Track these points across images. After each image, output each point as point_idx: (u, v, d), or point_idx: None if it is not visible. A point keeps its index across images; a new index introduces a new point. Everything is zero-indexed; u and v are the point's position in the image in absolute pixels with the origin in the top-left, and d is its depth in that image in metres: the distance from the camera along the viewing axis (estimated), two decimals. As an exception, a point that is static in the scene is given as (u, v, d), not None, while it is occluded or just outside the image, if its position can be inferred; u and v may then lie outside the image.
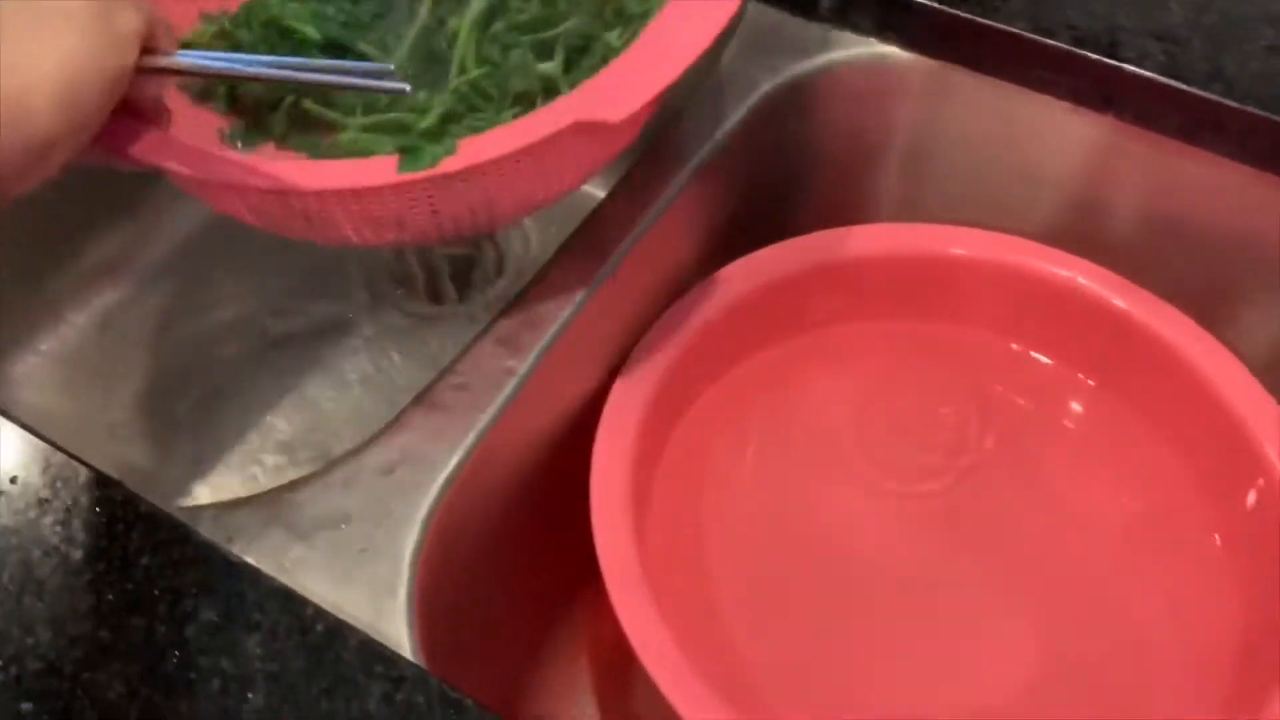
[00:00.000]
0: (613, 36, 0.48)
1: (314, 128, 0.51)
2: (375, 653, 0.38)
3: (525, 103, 0.48)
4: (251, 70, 0.43)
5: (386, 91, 0.42)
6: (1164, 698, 0.50)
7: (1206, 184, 0.54)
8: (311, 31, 0.51)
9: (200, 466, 0.66)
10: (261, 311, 0.73)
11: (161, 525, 0.41)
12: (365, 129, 0.49)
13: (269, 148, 0.50)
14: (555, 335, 0.49)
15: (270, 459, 0.67)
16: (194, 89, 0.51)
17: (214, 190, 0.44)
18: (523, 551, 0.53)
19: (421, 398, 0.47)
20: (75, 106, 0.35)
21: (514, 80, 0.48)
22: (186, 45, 0.50)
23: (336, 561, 0.42)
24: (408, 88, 0.41)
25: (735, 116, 0.56)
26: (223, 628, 0.38)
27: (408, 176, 0.40)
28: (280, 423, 0.69)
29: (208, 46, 0.52)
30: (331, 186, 0.41)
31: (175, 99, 0.49)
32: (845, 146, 0.62)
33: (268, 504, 0.44)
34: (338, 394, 0.70)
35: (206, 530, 0.41)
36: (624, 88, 0.42)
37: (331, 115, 0.50)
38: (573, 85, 0.47)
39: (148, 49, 0.39)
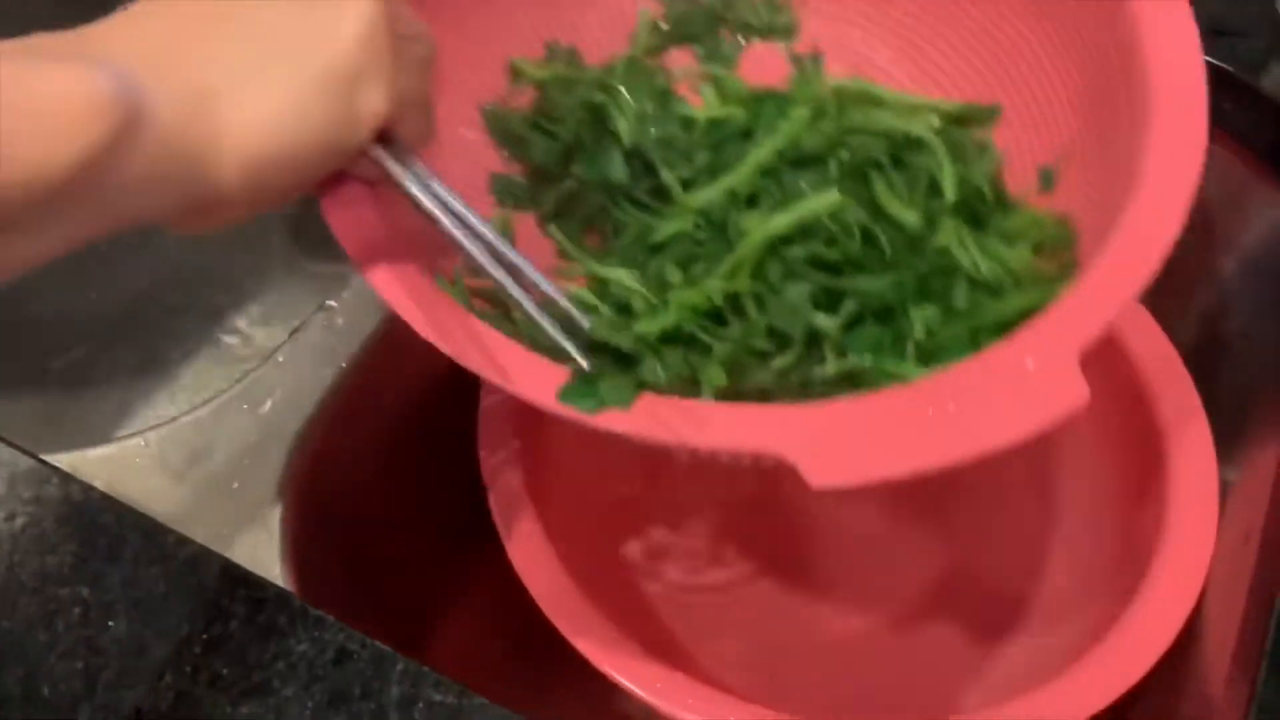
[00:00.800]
0: (920, 319, 0.40)
1: (582, 224, 0.45)
2: (237, 576, 0.38)
3: (777, 342, 0.40)
4: (456, 231, 0.32)
5: (567, 362, 0.33)
6: (1058, 590, 0.52)
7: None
8: (625, 128, 0.45)
9: (95, 432, 0.65)
10: (172, 274, 0.72)
11: (21, 464, 0.40)
12: (592, 284, 0.42)
13: (529, 220, 0.45)
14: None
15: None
16: (490, 116, 0.46)
17: None
18: (421, 488, 0.53)
19: (295, 333, 0.47)
20: (263, 181, 0.28)
21: (777, 314, 0.40)
22: (515, 74, 0.47)
23: (207, 495, 0.42)
24: (586, 366, 0.33)
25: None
26: (85, 559, 0.38)
27: (563, 410, 0.32)
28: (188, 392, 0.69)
29: (517, 92, 0.47)
30: (505, 385, 0.33)
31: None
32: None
33: (138, 442, 0.43)
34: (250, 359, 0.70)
35: (72, 468, 0.41)
36: (870, 441, 0.30)
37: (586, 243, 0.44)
38: (839, 349, 0.40)
39: (386, 135, 0.31)
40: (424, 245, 0.35)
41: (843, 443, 0.30)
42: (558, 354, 0.33)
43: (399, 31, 0.31)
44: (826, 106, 0.45)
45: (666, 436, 0.32)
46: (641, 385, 0.34)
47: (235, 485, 0.43)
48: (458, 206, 0.32)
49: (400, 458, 0.50)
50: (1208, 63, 0.52)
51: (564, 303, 0.33)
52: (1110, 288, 0.32)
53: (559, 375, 0.33)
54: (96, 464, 0.43)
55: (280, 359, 0.46)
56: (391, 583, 0.50)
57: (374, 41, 0.29)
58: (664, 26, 0.49)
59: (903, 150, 0.44)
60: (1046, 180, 0.43)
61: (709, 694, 0.43)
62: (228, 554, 0.39)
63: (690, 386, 0.37)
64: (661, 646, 0.49)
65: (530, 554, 0.45)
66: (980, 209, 0.43)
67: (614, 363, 0.35)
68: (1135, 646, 0.43)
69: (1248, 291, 0.53)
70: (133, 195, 0.26)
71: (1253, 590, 0.39)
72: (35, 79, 0.24)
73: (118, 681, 0.36)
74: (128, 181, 0.25)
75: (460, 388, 0.50)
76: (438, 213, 0.32)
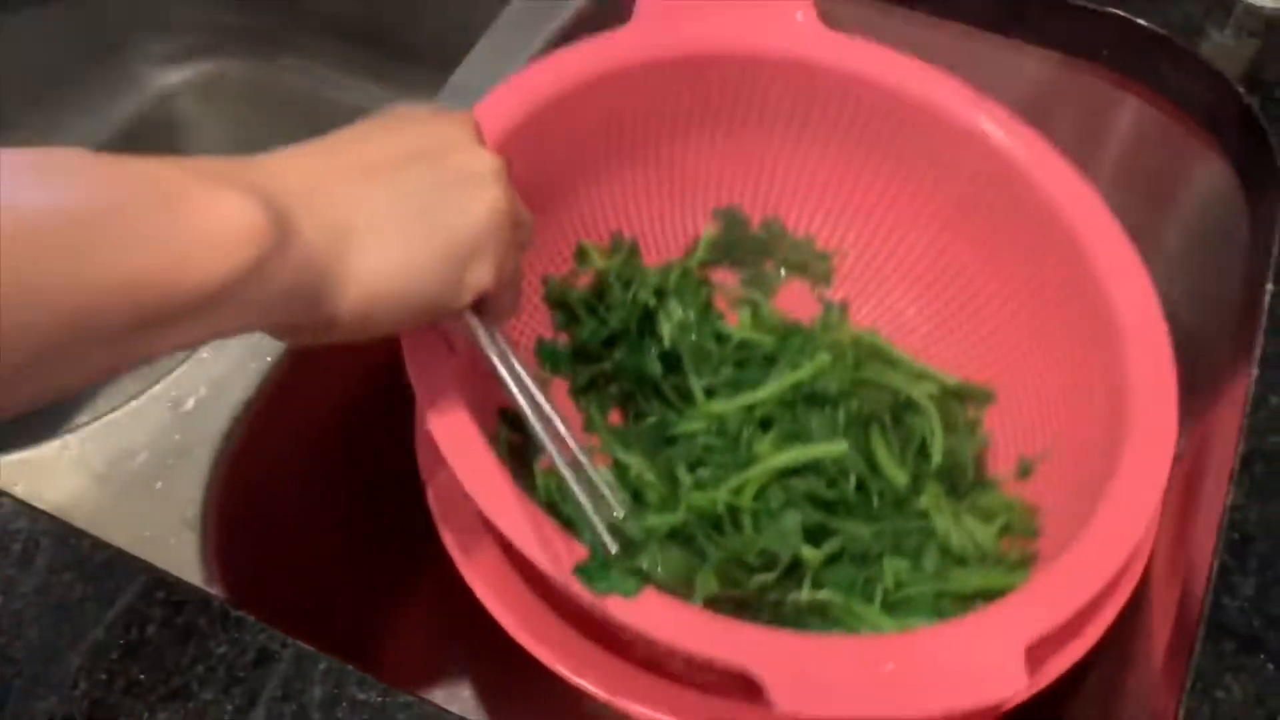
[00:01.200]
0: (891, 569, 0.44)
1: (610, 402, 0.50)
2: (155, 579, 0.37)
3: (763, 561, 0.44)
4: (523, 402, 0.34)
5: (585, 537, 0.35)
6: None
7: (1009, 69, 0.55)
8: (668, 329, 0.50)
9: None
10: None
11: (-68, 470, 0.39)
12: (613, 465, 0.45)
13: (562, 386, 0.50)
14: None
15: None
16: (551, 286, 0.51)
17: None
18: (356, 484, 0.52)
19: (219, 329, 0.45)
20: (370, 318, 0.32)
21: (771, 536, 0.44)
22: (582, 256, 0.52)
23: (130, 497, 0.41)
24: (613, 549, 0.34)
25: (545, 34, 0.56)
26: (-3, 566, 0.37)
27: (577, 590, 0.35)
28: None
29: (580, 270, 0.52)
30: (520, 549, 0.35)
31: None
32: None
33: (58, 444, 0.42)
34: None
35: (-13, 474, 0.40)
36: (835, 681, 0.33)
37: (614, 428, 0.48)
38: (818, 582, 0.44)
39: (478, 305, 0.35)
40: (479, 399, 0.39)
41: (811, 676, 0.33)
42: (578, 527, 0.36)
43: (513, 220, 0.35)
44: (845, 354, 0.50)
45: (656, 632, 0.34)
46: (640, 574, 0.37)
47: (159, 486, 0.42)
48: (528, 380, 0.35)
49: (333, 454, 0.49)
50: (1145, 27, 0.52)
51: (605, 490, 0.34)
52: (1066, 592, 0.36)
53: (573, 549, 0.35)
54: (15, 468, 0.42)
55: (203, 355, 0.44)
56: (328, 583, 0.49)
57: (497, 228, 0.34)
58: (730, 238, 0.54)
59: (902, 410, 0.49)
60: (1024, 470, 0.47)
61: (656, 685, 0.42)
62: (152, 557, 0.38)
63: (681, 584, 0.40)
64: (617, 646, 0.48)
65: (472, 549, 0.44)
66: (960, 481, 0.48)
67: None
68: (1084, 616, 0.43)
69: (1190, 258, 0.52)
70: (263, 307, 0.29)
71: (1191, 561, 0.39)
72: (209, 201, 0.27)
73: (31, 691, 0.35)
74: (264, 296, 0.28)
75: (396, 381, 0.49)
76: (510, 382, 0.35)
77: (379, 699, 0.35)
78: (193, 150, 0.76)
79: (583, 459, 0.34)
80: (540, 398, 0.35)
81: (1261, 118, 0.49)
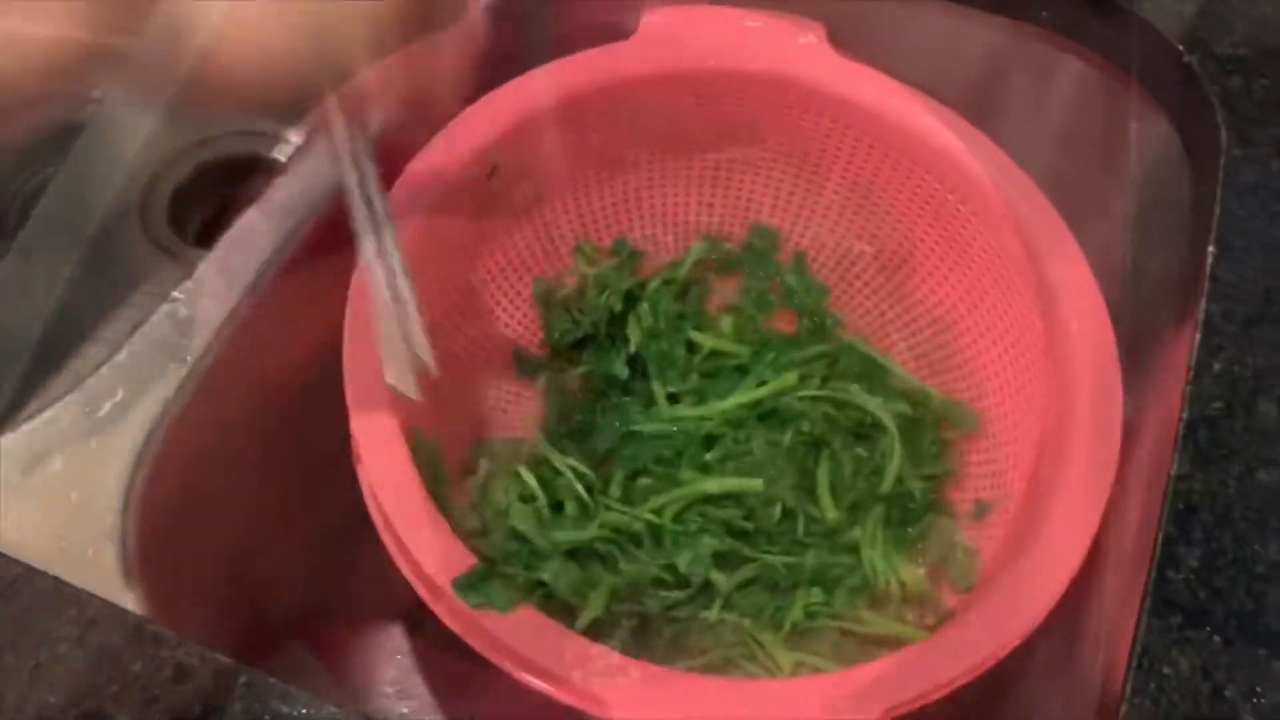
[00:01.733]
0: (802, 601, 0.45)
1: (565, 372, 0.52)
2: (64, 597, 0.35)
3: (673, 578, 0.44)
4: (361, 218, 0.34)
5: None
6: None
7: (948, 34, 0.53)
8: (635, 339, 0.51)
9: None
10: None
11: None
12: (545, 469, 0.45)
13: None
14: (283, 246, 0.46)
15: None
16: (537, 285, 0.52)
17: None
18: (289, 488, 0.50)
19: (137, 329, 0.44)
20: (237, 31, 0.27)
21: (682, 555, 0.44)
22: (578, 255, 0.53)
23: (42, 508, 0.40)
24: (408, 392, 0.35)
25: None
26: (-104, 589, 0.35)
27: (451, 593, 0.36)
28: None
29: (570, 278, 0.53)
30: (412, 551, 0.37)
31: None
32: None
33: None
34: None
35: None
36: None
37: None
38: (726, 603, 0.44)
39: (357, 115, 0.32)
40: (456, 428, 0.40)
41: (658, 709, 0.34)
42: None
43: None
44: (814, 373, 0.50)
45: (522, 649, 0.35)
46: (539, 585, 0.39)
47: (74, 496, 0.40)
48: (379, 205, 0.33)
49: (260, 454, 0.47)
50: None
51: (419, 339, 0.34)
52: (937, 668, 0.36)
53: (461, 562, 0.36)
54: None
55: (120, 356, 0.43)
56: (262, 590, 0.48)
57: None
58: (726, 251, 0.55)
59: (869, 428, 0.49)
60: (980, 510, 0.47)
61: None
62: (69, 571, 0.37)
63: (578, 599, 0.41)
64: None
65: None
66: (910, 507, 0.48)
67: (525, 550, 0.41)
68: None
69: (1132, 220, 0.51)
70: None
71: (1136, 535, 0.38)
72: None
73: (-69, 723, 0.33)
74: None
75: (324, 378, 0.47)
76: (355, 192, 0.33)
77: (304, 711, 0.33)
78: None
79: (409, 297, 0.34)
80: (386, 223, 0.33)
81: (1202, 76, 0.48)
